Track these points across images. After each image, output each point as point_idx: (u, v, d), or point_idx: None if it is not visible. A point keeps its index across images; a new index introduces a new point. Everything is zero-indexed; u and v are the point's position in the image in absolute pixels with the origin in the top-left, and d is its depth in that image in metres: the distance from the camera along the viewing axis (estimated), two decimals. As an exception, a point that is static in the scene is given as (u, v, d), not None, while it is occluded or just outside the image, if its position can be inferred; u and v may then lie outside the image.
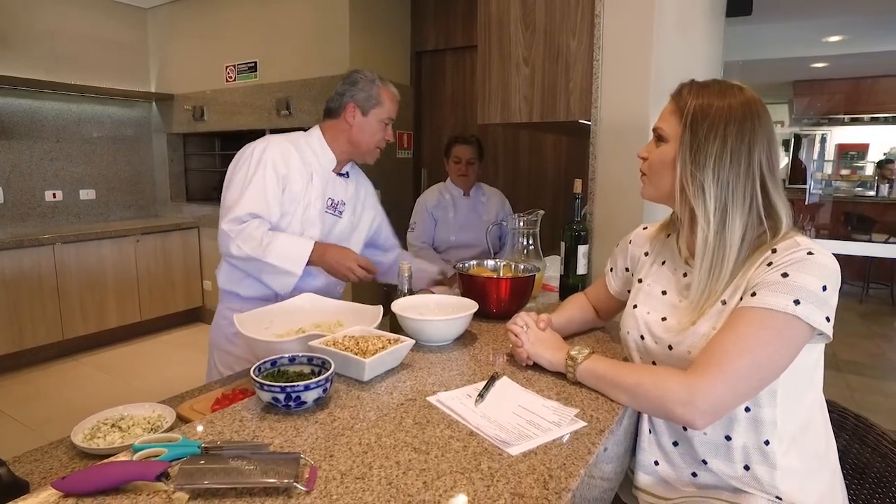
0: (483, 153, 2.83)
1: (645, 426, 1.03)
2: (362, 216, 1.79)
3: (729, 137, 0.90)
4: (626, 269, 1.20)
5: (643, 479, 1.04)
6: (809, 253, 0.86)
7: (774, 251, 0.89)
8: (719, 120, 0.91)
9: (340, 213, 1.67)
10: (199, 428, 0.84)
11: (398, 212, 3.90)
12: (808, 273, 0.84)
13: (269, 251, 1.46)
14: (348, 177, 1.71)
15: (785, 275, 0.85)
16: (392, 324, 1.28)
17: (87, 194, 4.34)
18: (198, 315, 4.57)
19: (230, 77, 4.11)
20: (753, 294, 0.86)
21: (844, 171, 7.35)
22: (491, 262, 1.56)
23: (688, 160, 0.93)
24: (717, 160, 0.91)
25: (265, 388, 0.86)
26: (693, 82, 0.98)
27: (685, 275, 1.03)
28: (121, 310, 4.00)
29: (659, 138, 0.99)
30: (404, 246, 2.96)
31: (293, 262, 1.48)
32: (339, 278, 1.58)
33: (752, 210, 0.92)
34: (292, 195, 1.56)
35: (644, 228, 1.19)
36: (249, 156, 1.54)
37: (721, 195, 0.91)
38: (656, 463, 1.02)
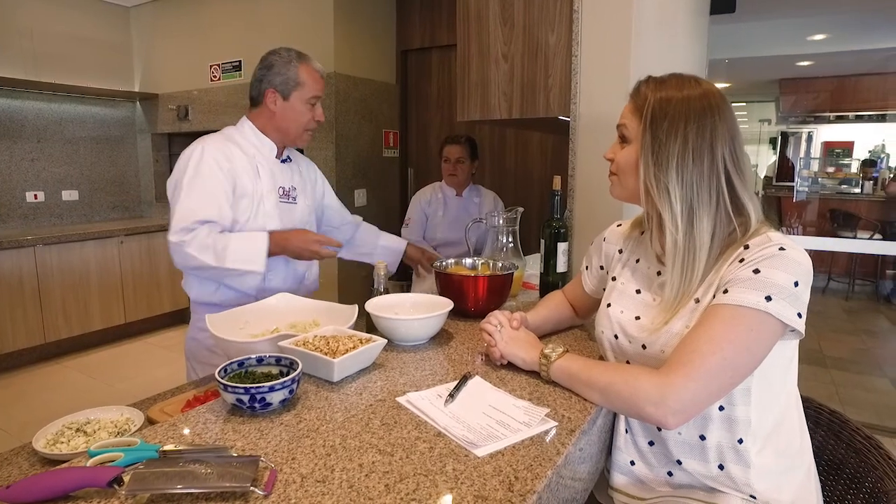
0: (477, 154, 2.84)
1: (621, 426, 1.02)
2: (324, 195, 1.80)
3: (689, 135, 0.89)
4: (601, 268, 1.18)
5: (619, 479, 1.03)
6: (781, 249, 0.85)
7: (747, 247, 0.88)
8: (678, 118, 0.90)
9: (294, 199, 1.63)
10: (161, 431, 0.82)
11: (385, 211, 3.90)
12: (780, 269, 0.83)
13: (226, 256, 1.41)
14: (290, 161, 1.66)
15: (756, 271, 0.84)
16: (368, 323, 1.26)
17: (69, 195, 4.28)
18: (184, 317, 4.52)
19: (215, 76, 4.07)
20: (725, 291, 0.85)
21: (830, 169, 7.42)
22: (469, 261, 1.55)
23: (650, 162, 0.91)
24: (680, 160, 0.89)
25: (229, 389, 0.84)
26: (650, 79, 0.96)
27: (659, 273, 1.02)
28: (105, 312, 3.95)
29: (622, 138, 0.98)
30: None
31: (252, 262, 1.43)
32: (306, 260, 1.57)
33: (720, 208, 0.90)
34: (244, 190, 1.51)
35: (618, 225, 1.18)
36: (187, 160, 1.47)
37: (686, 196, 0.90)
38: (632, 463, 1.01)
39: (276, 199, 1.56)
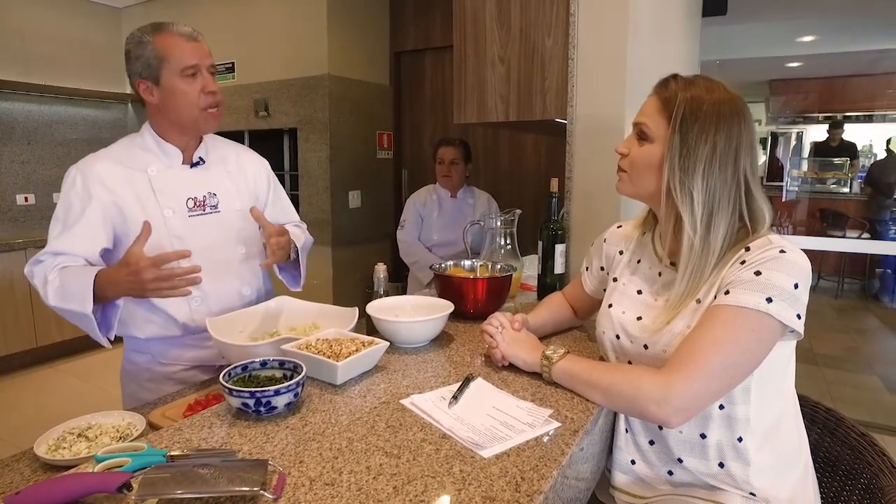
0: (470, 155, 2.86)
1: (622, 425, 1.03)
2: (266, 204, 1.49)
3: (718, 143, 0.89)
4: (602, 268, 1.19)
5: (620, 478, 1.04)
6: (781, 251, 0.86)
7: (748, 249, 0.89)
8: (709, 122, 0.89)
9: (215, 207, 1.35)
10: (167, 436, 0.82)
11: (379, 212, 3.90)
12: (781, 271, 0.85)
13: (49, 292, 1.17)
14: (203, 163, 1.37)
15: (758, 273, 0.85)
16: (369, 326, 1.26)
17: (61, 198, 4.24)
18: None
19: (207, 78, 4.05)
20: (727, 292, 0.86)
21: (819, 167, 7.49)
22: (468, 263, 1.56)
23: (676, 166, 0.91)
24: (707, 166, 0.90)
25: (234, 393, 0.85)
26: (679, 78, 0.95)
27: (660, 274, 1.03)
28: (97, 315, 3.91)
29: (642, 136, 0.97)
30: (394, 245, 2.97)
31: (79, 300, 1.13)
32: (166, 296, 1.14)
33: (735, 214, 0.92)
34: (132, 215, 1.26)
35: (618, 227, 1.19)
36: (64, 190, 1.28)
37: (708, 202, 0.90)
38: (633, 462, 1.02)
39: (184, 213, 1.31)
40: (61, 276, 1.18)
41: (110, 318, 1.22)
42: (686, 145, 0.90)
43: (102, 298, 1.16)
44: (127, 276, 1.11)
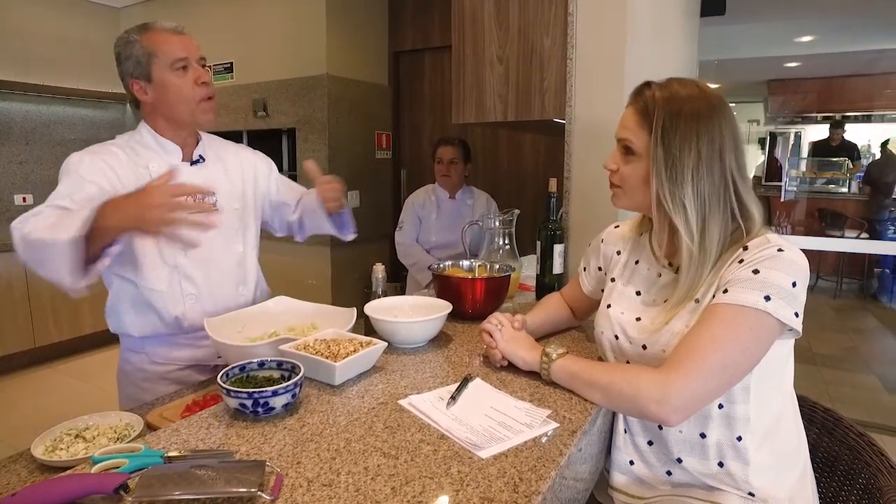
0: (470, 155, 2.85)
1: (620, 426, 1.03)
2: (277, 190, 1.51)
3: (702, 148, 0.89)
4: (599, 269, 1.19)
5: (618, 478, 1.04)
6: (779, 250, 0.87)
7: (746, 248, 0.89)
8: (690, 131, 0.90)
9: (213, 205, 1.35)
10: (164, 437, 0.82)
11: (378, 212, 3.90)
12: (779, 269, 0.85)
13: (36, 225, 1.02)
14: (203, 161, 1.36)
15: (756, 271, 0.85)
16: (367, 326, 1.26)
17: (59, 198, 4.23)
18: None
19: (206, 78, 4.04)
20: (725, 291, 0.87)
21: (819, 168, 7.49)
22: (466, 263, 1.55)
23: (664, 178, 0.91)
24: (694, 173, 0.90)
25: (232, 394, 0.84)
26: (652, 84, 0.96)
27: (659, 275, 1.03)
28: (95, 315, 3.90)
29: (627, 151, 0.97)
30: (392, 245, 2.96)
31: (64, 229, 0.97)
32: (154, 234, 0.99)
33: (726, 215, 0.92)
34: None
35: (616, 227, 1.19)
36: (66, 168, 1.21)
37: (700, 208, 0.91)
38: (631, 462, 1.02)
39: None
40: (62, 215, 1.03)
41: (96, 264, 1.03)
42: (671, 156, 0.90)
43: (99, 229, 0.99)
44: (136, 196, 0.98)
